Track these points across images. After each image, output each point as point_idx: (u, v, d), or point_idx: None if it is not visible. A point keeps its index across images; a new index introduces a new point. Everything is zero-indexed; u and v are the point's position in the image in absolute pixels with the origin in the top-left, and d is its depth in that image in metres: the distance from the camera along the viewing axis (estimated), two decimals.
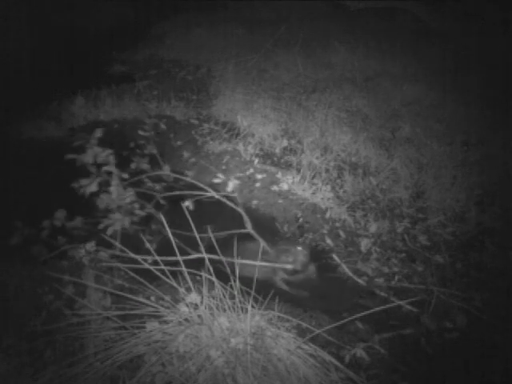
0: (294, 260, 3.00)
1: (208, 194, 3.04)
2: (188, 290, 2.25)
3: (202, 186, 3.03)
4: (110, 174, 2.67)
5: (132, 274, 2.37)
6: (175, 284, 2.26)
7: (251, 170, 4.20)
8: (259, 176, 4.14)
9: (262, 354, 2.05)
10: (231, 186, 2.98)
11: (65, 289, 2.42)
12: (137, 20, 8.53)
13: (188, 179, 3.09)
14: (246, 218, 3.13)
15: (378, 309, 2.31)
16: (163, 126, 3.31)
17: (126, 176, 2.72)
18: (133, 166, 2.87)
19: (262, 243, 3.07)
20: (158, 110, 5.21)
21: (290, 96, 5.53)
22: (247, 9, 8.46)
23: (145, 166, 2.91)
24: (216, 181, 2.98)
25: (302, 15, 7.93)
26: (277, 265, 3.02)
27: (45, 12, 7.61)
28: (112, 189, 2.63)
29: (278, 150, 4.56)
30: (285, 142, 4.64)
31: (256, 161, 4.32)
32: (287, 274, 3.05)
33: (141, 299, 2.25)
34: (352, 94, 5.58)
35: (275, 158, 4.46)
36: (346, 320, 2.22)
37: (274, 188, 3.98)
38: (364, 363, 2.33)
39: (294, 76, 6.12)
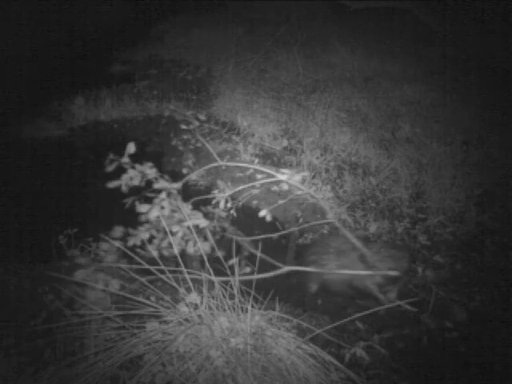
0: (396, 266, 2.62)
1: (277, 177, 2.73)
2: (188, 290, 2.25)
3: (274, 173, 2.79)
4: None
5: (132, 274, 2.36)
6: (175, 284, 2.25)
7: (251, 170, 4.20)
8: (259, 176, 4.14)
9: (261, 354, 2.05)
10: (298, 178, 2.83)
11: (65, 289, 2.42)
12: (137, 20, 8.53)
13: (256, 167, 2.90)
14: (327, 208, 2.88)
15: (378, 309, 2.31)
16: (203, 118, 3.08)
17: (178, 186, 2.49)
18: (184, 170, 2.70)
19: (353, 240, 2.73)
20: (158, 110, 5.21)
21: (289, 96, 5.53)
22: (247, 9, 8.46)
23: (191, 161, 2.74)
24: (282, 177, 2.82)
25: (301, 15, 7.93)
26: (380, 272, 2.66)
27: (45, 12, 7.61)
28: (166, 205, 2.40)
29: (277, 150, 4.56)
30: (285, 142, 4.64)
31: (256, 161, 4.32)
32: (384, 281, 2.73)
33: (141, 299, 2.25)
34: (352, 93, 5.58)
35: (275, 158, 4.46)
36: (346, 320, 2.22)
37: (274, 188, 3.97)
38: (364, 363, 2.32)
39: (293, 76, 6.12)
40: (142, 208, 2.40)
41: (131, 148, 2.35)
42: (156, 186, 2.42)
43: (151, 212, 2.38)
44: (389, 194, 3.90)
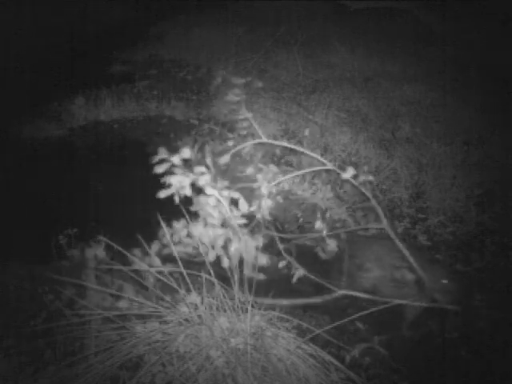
0: (454, 298, 2.42)
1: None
2: (188, 290, 2.25)
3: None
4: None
5: (131, 275, 2.36)
6: (175, 285, 2.25)
7: (251, 170, 4.19)
8: (259, 176, 4.13)
9: (261, 354, 2.05)
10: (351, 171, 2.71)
11: (65, 289, 2.42)
12: (137, 20, 8.53)
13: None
14: (380, 211, 2.71)
15: (378, 308, 2.31)
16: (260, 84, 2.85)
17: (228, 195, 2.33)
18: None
19: (409, 257, 2.52)
20: (158, 110, 5.21)
21: (289, 96, 5.53)
22: (247, 9, 8.46)
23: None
24: None
25: (301, 15, 7.93)
26: (437, 305, 2.45)
27: (45, 12, 7.61)
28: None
29: (278, 150, 4.56)
30: (285, 142, 4.64)
31: (256, 160, 4.31)
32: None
33: (141, 300, 2.25)
34: (352, 94, 5.57)
35: (275, 158, 4.46)
36: (346, 320, 2.22)
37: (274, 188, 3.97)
38: (364, 363, 2.32)
39: (293, 76, 6.12)
40: (195, 230, 2.27)
41: (185, 153, 2.17)
42: (208, 192, 2.25)
43: (205, 234, 2.26)
44: (389, 193, 3.90)
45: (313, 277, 2.34)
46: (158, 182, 2.73)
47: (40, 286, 2.52)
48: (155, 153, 3.06)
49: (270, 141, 2.63)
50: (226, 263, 2.26)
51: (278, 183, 2.73)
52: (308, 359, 2.08)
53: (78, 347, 2.19)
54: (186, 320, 2.19)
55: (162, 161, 2.14)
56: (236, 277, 2.20)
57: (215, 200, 2.30)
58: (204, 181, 2.24)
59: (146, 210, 3.30)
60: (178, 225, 2.33)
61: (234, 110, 2.81)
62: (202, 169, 2.28)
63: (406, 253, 2.63)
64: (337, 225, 3.58)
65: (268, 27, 7.40)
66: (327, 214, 3.67)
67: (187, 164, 2.27)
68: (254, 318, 2.21)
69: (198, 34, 7.47)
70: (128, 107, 5.21)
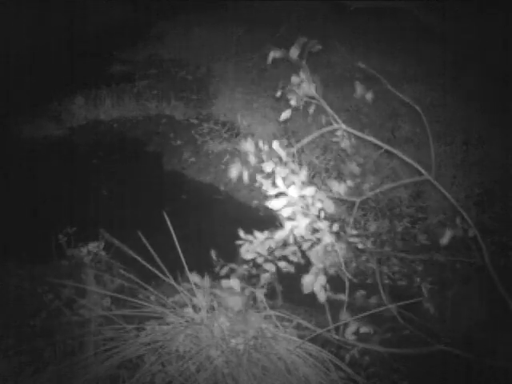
0: None
1: None
2: (189, 290, 2.24)
3: None
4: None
5: (130, 275, 2.36)
6: (176, 285, 2.25)
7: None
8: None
9: (261, 353, 2.05)
10: None
11: (64, 289, 2.42)
12: (137, 20, 8.52)
13: None
14: (484, 247, 2.16)
15: (377, 310, 2.30)
16: None
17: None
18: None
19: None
20: (158, 110, 5.21)
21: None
22: (247, 9, 8.45)
23: None
24: None
25: (301, 15, 7.92)
26: None
27: (45, 12, 7.60)
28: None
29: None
30: (284, 142, 4.63)
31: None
32: None
33: (140, 300, 2.24)
34: (352, 93, 5.57)
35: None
36: (346, 320, 2.21)
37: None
38: (364, 363, 2.32)
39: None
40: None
41: (310, 191, 1.91)
42: (316, 225, 1.96)
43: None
44: (388, 193, 3.90)
45: (412, 330, 2.10)
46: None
47: (40, 286, 2.51)
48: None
49: (350, 129, 2.15)
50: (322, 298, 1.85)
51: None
52: (308, 359, 2.08)
53: (77, 347, 2.19)
54: (187, 320, 2.19)
55: (279, 194, 1.91)
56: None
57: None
58: (322, 225, 1.97)
59: (147, 210, 3.31)
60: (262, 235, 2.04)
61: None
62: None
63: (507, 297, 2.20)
64: (336, 223, 3.58)
65: (268, 27, 7.39)
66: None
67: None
68: (254, 318, 2.21)
69: (198, 34, 7.46)
70: (128, 107, 5.21)
